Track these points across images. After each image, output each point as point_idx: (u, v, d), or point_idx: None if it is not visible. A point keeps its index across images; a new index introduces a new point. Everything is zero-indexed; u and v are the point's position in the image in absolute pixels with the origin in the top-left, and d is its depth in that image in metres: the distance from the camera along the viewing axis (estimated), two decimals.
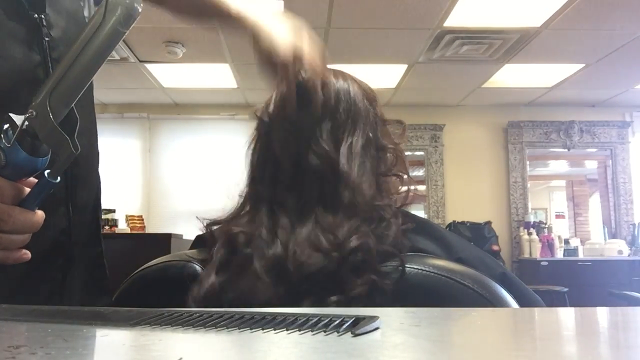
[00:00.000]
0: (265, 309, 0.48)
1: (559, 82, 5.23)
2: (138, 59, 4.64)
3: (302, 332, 0.41)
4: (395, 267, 0.73)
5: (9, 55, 0.77)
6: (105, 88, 5.30)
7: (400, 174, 0.85)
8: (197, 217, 0.85)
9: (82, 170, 0.88)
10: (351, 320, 0.42)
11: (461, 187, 5.93)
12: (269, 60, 0.83)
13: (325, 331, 0.40)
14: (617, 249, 5.51)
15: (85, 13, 0.91)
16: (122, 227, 4.95)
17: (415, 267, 0.73)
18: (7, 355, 0.33)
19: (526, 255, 5.61)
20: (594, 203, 7.34)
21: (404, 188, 0.85)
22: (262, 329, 0.42)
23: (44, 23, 0.81)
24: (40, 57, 0.80)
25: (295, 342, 0.39)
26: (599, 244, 5.82)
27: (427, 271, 0.72)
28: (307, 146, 0.81)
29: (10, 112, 0.60)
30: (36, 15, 0.80)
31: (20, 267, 0.69)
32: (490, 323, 0.53)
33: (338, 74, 0.87)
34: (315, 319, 0.43)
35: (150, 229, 5.23)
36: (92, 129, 0.94)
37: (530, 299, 0.79)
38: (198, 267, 0.81)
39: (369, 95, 0.88)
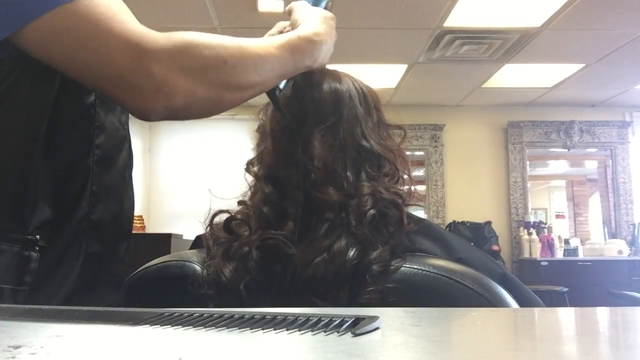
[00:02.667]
0: (266, 309, 0.48)
1: (559, 82, 5.23)
2: None
3: (302, 332, 0.41)
4: (395, 266, 0.73)
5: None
6: None
7: (401, 173, 0.86)
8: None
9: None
10: (351, 320, 0.42)
11: (461, 187, 5.93)
12: None
13: (325, 331, 0.40)
14: (617, 249, 5.51)
15: None
16: None
17: (415, 267, 0.73)
18: (7, 355, 0.33)
19: (526, 255, 5.61)
20: (594, 203, 7.33)
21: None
22: (262, 329, 0.42)
23: None
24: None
25: (295, 342, 0.39)
26: (599, 244, 5.81)
27: (427, 271, 0.72)
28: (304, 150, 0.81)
29: None
30: None
31: (96, 243, 0.78)
32: (490, 323, 0.53)
33: (337, 75, 0.88)
34: (315, 319, 0.43)
35: (150, 229, 5.22)
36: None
37: (530, 300, 0.79)
38: (198, 267, 0.81)
39: (374, 97, 0.89)
